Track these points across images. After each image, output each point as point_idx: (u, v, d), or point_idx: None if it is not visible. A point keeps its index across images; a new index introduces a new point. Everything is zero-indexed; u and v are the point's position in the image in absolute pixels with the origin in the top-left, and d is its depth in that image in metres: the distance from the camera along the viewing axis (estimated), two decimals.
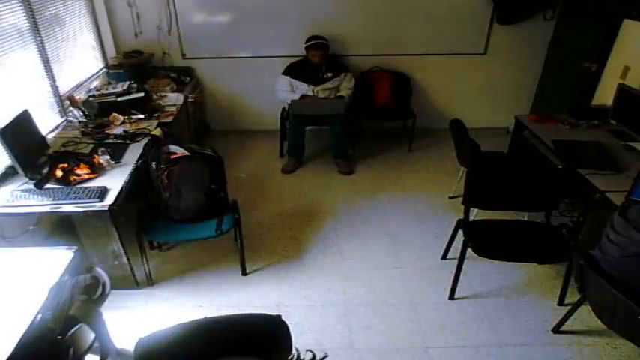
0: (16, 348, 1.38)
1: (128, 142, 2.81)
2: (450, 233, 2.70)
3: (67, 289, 1.70)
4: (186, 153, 2.45)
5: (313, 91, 3.74)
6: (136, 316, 2.40)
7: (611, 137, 2.92)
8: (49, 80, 3.02)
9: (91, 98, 3.19)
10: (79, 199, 2.20)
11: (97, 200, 2.20)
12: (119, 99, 3.20)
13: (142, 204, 2.54)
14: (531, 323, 2.35)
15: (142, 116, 3.15)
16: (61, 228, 2.66)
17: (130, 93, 3.26)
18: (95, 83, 3.64)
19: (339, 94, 3.81)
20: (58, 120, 3.10)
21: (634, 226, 1.75)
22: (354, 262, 2.80)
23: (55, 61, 3.09)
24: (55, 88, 3.08)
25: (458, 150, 3.18)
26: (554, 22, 3.96)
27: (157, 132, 2.95)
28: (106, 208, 2.18)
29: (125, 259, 2.44)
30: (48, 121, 2.95)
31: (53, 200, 2.20)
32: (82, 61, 3.56)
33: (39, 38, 2.89)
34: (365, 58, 4.18)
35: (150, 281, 2.61)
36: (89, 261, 2.37)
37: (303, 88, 3.75)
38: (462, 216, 2.52)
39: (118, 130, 2.96)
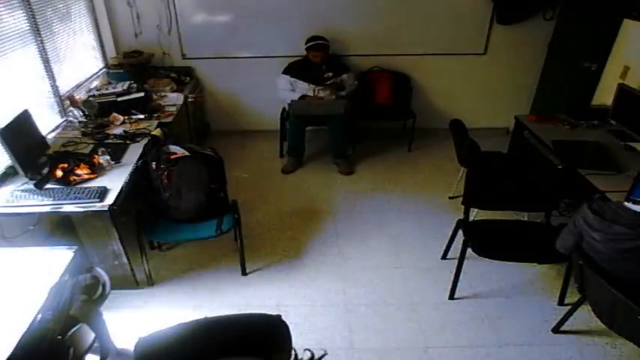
0: (16, 348, 1.38)
1: (128, 142, 2.81)
2: (450, 233, 2.70)
3: (67, 289, 1.70)
4: (186, 153, 2.45)
5: (314, 91, 3.74)
6: (136, 316, 2.40)
7: (611, 137, 2.92)
8: (49, 80, 3.02)
9: (91, 98, 3.19)
10: (79, 199, 2.20)
11: (97, 200, 2.20)
12: (119, 99, 3.20)
13: (141, 204, 2.54)
14: (531, 323, 2.35)
15: (142, 116, 3.15)
16: (61, 228, 2.66)
17: (130, 93, 3.26)
18: (95, 83, 3.64)
19: (341, 92, 3.80)
20: (58, 120, 3.10)
21: (613, 220, 1.76)
22: (354, 263, 2.80)
23: (55, 61, 3.09)
24: (55, 88, 3.08)
25: (458, 150, 3.18)
26: (554, 22, 3.96)
27: (157, 132, 2.95)
28: (106, 208, 2.18)
29: (125, 259, 2.44)
30: (48, 121, 2.96)
31: (53, 200, 2.20)
32: (82, 61, 3.56)
33: (39, 38, 2.89)
34: (365, 58, 4.18)
35: (150, 281, 2.61)
36: (89, 261, 2.37)
37: (304, 87, 3.75)
38: (462, 216, 2.52)
39: (118, 130, 2.96)
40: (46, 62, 2.97)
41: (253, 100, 4.39)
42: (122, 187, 2.33)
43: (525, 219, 2.75)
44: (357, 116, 4.00)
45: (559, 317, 2.29)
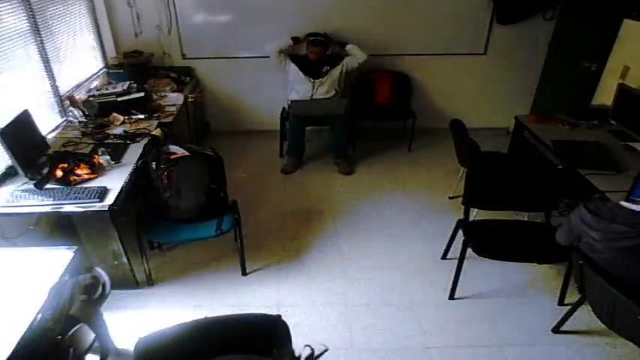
0: (16, 348, 1.38)
1: (128, 142, 2.81)
2: (450, 233, 2.70)
3: (67, 289, 1.70)
4: (186, 153, 2.45)
5: (313, 85, 3.73)
6: (136, 316, 2.40)
7: (611, 137, 2.93)
8: (49, 80, 3.02)
9: (91, 98, 3.19)
10: (79, 199, 2.20)
11: (97, 200, 2.20)
12: (119, 99, 3.20)
13: (142, 204, 2.54)
14: (531, 323, 2.35)
15: (142, 116, 3.15)
16: (61, 228, 2.66)
17: (130, 93, 3.26)
18: (95, 83, 3.64)
19: (352, 65, 3.77)
20: (58, 120, 3.10)
21: (611, 219, 1.76)
22: (354, 262, 2.80)
23: (55, 61, 3.09)
24: (55, 88, 3.08)
25: (458, 150, 3.18)
26: (554, 22, 3.96)
27: (157, 132, 2.95)
28: (106, 208, 2.18)
29: (125, 259, 2.44)
30: (48, 121, 2.95)
31: (53, 200, 2.20)
32: (82, 61, 3.56)
33: (39, 38, 2.89)
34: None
35: (150, 281, 2.61)
36: (89, 261, 2.37)
37: (303, 80, 3.73)
38: (462, 216, 2.52)
39: (118, 130, 2.96)
40: (46, 62, 2.97)
41: (253, 100, 4.39)
42: (122, 187, 2.33)
43: (525, 219, 2.75)
44: (357, 116, 4.01)
45: (559, 317, 2.29)
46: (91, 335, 1.70)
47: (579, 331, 2.30)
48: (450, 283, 2.50)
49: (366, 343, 2.24)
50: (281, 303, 2.49)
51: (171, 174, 2.42)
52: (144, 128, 3.00)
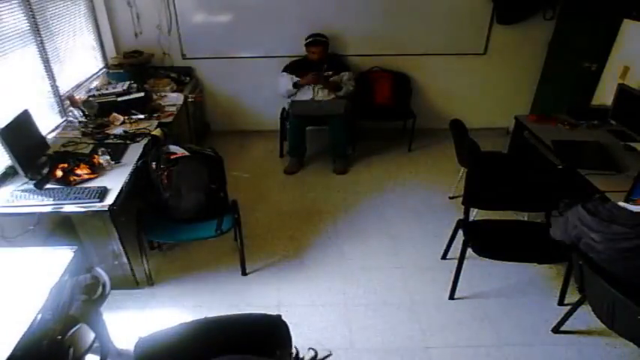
0: (16, 348, 1.38)
1: (128, 142, 2.81)
2: (450, 233, 2.69)
3: (67, 289, 1.70)
4: (186, 153, 2.45)
5: (314, 89, 3.74)
6: (136, 316, 2.40)
7: (611, 137, 2.92)
8: (49, 80, 3.02)
9: (91, 98, 3.19)
10: (79, 199, 2.20)
11: (97, 200, 2.20)
12: (119, 99, 3.20)
13: (142, 204, 2.54)
14: (531, 323, 2.35)
15: (142, 116, 3.15)
16: (61, 228, 2.66)
17: (130, 93, 3.26)
18: (95, 83, 3.64)
19: (338, 93, 3.81)
20: (58, 120, 3.10)
21: (611, 220, 1.76)
22: (354, 262, 2.80)
23: (55, 61, 3.09)
24: (55, 88, 3.08)
25: (458, 150, 3.18)
26: (554, 22, 3.97)
27: (157, 132, 2.95)
28: (106, 208, 2.18)
29: (125, 259, 2.44)
30: (48, 121, 2.95)
31: (53, 200, 2.20)
32: (82, 61, 3.56)
33: (39, 38, 2.89)
34: (365, 58, 4.18)
35: (150, 281, 2.61)
36: (89, 261, 2.37)
37: (305, 88, 3.74)
38: (462, 216, 2.52)
39: (118, 130, 2.96)
40: (46, 62, 2.97)
41: (253, 100, 4.39)
42: (122, 187, 2.33)
43: (525, 219, 2.75)
44: (357, 116, 4.00)
45: (559, 317, 2.28)
46: (91, 335, 1.70)
47: (579, 331, 2.30)
48: (450, 283, 2.50)
49: (366, 343, 2.24)
50: (281, 303, 2.49)
51: (171, 174, 2.42)
52: (144, 128, 3.00)
